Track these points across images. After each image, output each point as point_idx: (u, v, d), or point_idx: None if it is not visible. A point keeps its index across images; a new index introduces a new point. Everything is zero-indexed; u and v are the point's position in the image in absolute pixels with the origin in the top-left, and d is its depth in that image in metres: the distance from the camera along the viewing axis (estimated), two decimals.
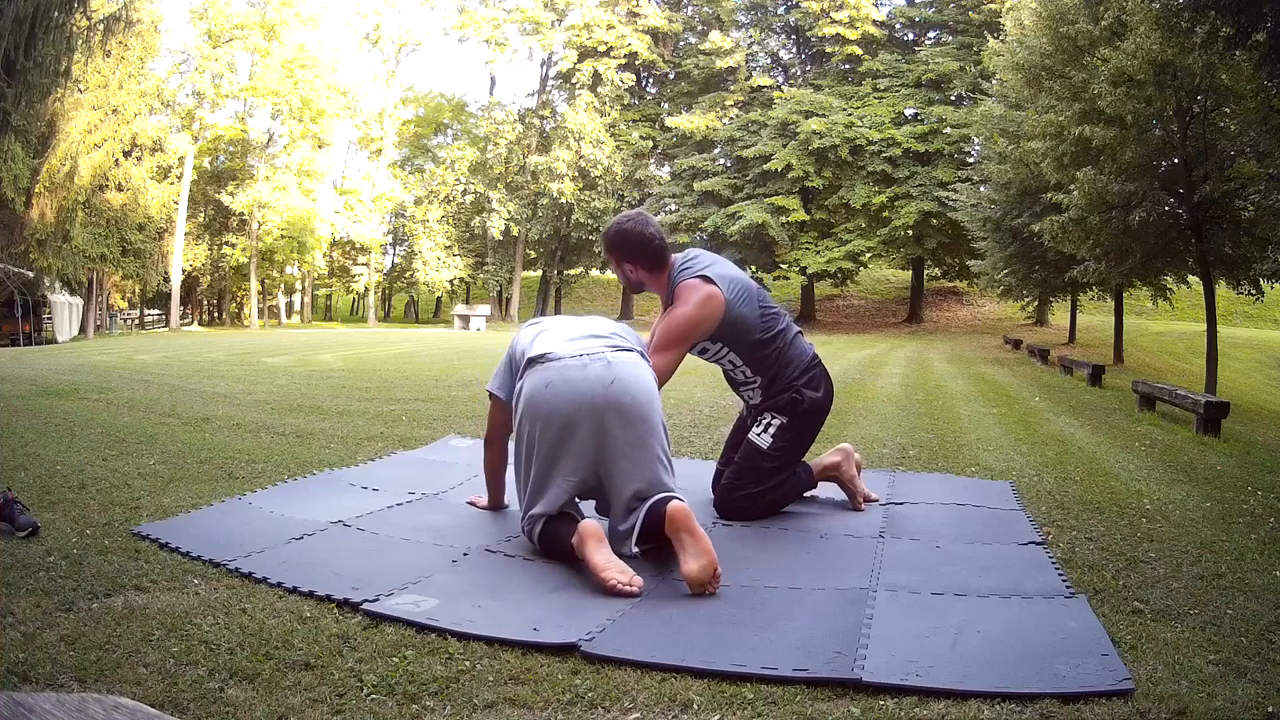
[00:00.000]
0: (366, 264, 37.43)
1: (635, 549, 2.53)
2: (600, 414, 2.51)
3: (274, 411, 5.85)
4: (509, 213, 33.91)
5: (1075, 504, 3.51)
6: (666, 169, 34.53)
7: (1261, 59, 6.95)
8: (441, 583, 2.38)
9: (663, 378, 2.81)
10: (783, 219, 28.14)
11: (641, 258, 3.01)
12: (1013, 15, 15.37)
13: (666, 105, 35.56)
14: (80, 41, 10.89)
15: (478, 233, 35.15)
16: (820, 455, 3.39)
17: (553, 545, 2.54)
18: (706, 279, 2.95)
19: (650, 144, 34.21)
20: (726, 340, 3.05)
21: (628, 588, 2.28)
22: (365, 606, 2.14)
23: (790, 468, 3.19)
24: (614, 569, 2.33)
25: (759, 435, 3.15)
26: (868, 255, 29.73)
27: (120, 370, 9.13)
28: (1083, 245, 11.55)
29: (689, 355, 3.08)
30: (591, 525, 2.44)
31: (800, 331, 3.31)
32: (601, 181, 32.74)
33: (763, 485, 3.11)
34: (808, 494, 3.38)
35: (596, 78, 33.25)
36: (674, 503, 2.41)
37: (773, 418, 3.16)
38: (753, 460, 3.13)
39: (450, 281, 36.70)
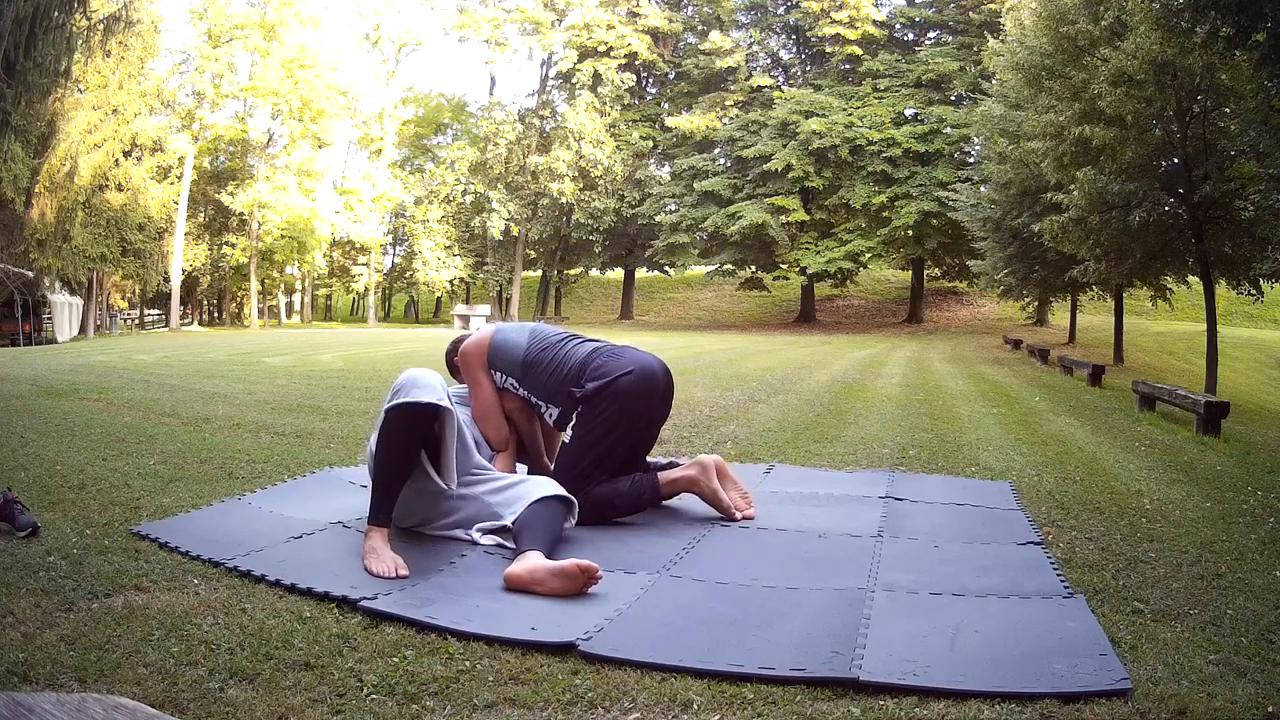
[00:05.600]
0: (366, 264, 37.42)
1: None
2: None
3: (274, 411, 5.84)
4: (509, 213, 33.87)
5: (1075, 504, 3.51)
6: (666, 169, 34.52)
7: (1261, 59, 6.95)
8: (441, 583, 2.38)
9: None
10: (783, 219, 28.13)
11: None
12: (1013, 15, 15.36)
13: (666, 105, 35.54)
14: (80, 41, 10.89)
15: (478, 233, 35.12)
16: (672, 469, 3.23)
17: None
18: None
19: (650, 144, 34.19)
20: (505, 368, 3.27)
21: (589, 572, 2.29)
22: (364, 604, 2.15)
23: (597, 460, 3.07)
24: (553, 580, 2.31)
25: (566, 435, 3.19)
26: (868, 255, 29.69)
27: (120, 370, 9.13)
28: (1083, 245, 11.55)
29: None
30: (513, 573, 2.39)
31: (593, 342, 3.30)
32: (601, 181, 32.72)
33: (573, 478, 3.04)
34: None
35: (596, 78, 33.22)
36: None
37: (572, 420, 3.17)
38: (559, 459, 3.20)
39: (450, 281, 36.68)
